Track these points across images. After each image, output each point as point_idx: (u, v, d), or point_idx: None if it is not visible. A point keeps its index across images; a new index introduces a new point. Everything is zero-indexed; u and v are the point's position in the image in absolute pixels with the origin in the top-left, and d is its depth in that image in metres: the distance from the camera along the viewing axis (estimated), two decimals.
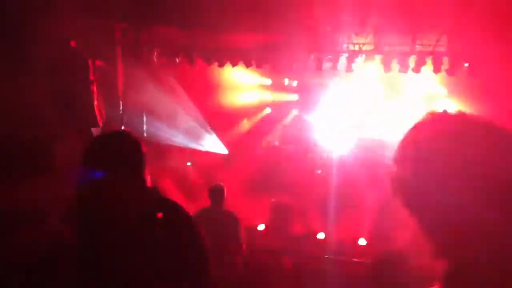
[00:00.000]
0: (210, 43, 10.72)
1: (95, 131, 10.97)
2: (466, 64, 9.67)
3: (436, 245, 1.21)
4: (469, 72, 9.68)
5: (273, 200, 10.92)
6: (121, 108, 11.11)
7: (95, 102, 10.60)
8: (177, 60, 10.86)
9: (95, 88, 10.63)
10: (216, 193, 5.89)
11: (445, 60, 9.80)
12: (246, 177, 12.44)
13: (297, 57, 10.50)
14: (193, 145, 13.02)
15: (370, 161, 11.87)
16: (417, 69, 9.90)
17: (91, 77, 10.47)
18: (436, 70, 9.82)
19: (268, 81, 14.29)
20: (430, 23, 9.44)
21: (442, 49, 9.85)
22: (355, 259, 9.06)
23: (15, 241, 6.33)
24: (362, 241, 10.00)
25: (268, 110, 14.61)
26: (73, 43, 10.33)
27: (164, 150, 11.92)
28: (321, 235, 10.30)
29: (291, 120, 14.35)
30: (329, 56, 10.40)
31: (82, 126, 10.29)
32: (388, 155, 1.34)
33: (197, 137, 13.17)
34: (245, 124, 14.27)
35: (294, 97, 14.39)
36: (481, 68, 9.53)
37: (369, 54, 10.21)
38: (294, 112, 14.35)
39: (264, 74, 13.76)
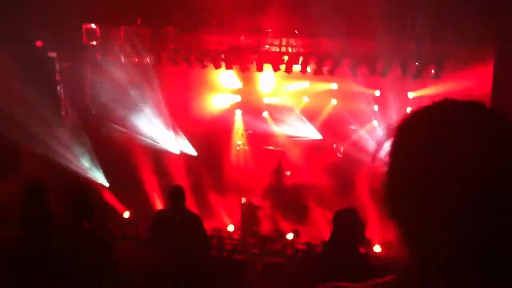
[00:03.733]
0: (179, 44, 10.69)
1: (62, 132, 10.83)
2: None
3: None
4: None
5: (243, 201, 10.92)
6: (90, 108, 11.01)
7: (62, 103, 10.46)
8: (147, 61, 10.78)
9: (61, 89, 10.49)
10: (176, 194, 5.84)
11: None
12: (216, 178, 12.49)
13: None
14: (162, 146, 12.94)
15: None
16: None
17: (57, 78, 10.33)
18: None
19: (239, 84, 14.33)
20: None
21: None
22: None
23: None
24: None
25: (239, 112, 14.60)
26: (39, 43, 10.18)
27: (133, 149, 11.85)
28: (289, 236, 10.32)
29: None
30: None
31: (49, 127, 10.15)
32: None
33: (166, 138, 13.09)
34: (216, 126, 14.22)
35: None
36: None
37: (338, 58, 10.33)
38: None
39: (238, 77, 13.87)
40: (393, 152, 1.11)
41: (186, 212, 5.67)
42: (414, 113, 1.13)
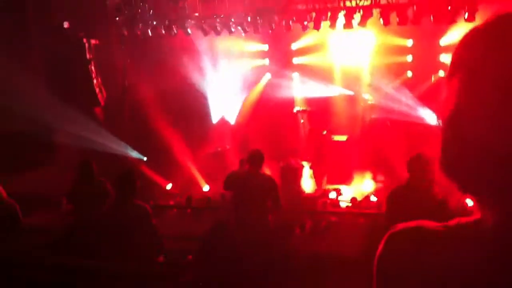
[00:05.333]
0: (205, 11, 10.58)
1: (97, 110, 10.95)
2: None
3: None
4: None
5: (282, 164, 10.91)
6: (124, 84, 11.07)
7: (94, 81, 10.53)
8: (174, 32, 10.70)
9: (92, 67, 10.54)
10: (255, 157, 5.98)
11: None
12: (253, 144, 12.50)
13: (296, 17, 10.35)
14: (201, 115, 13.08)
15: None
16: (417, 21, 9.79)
17: (88, 56, 10.37)
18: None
19: (265, 47, 14.21)
20: None
21: None
22: (370, 211, 9.17)
23: (33, 224, 6.42)
24: (373, 198, 10.02)
25: (268, 76, 14.50)
26: (67, 24, 10.20)
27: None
28: (332, 194, 10.32)
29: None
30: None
31: (83, 106, 10.26)
32: None
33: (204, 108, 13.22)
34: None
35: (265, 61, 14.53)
36: None
37: (367, 9, 10.03)
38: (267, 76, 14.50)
39: (260, 40, 13.75)
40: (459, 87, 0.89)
41: (261, 176, 5.79)
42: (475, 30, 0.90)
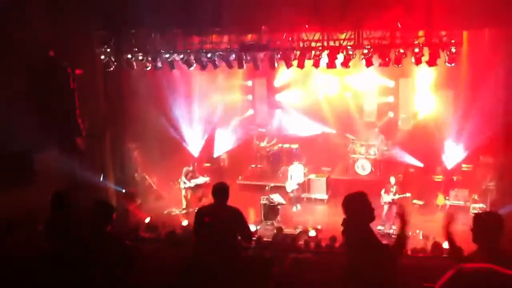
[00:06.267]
0: (190, 45, 10.65)
1: (78, 141, 10.81)
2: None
3: None
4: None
5: (263, 201, 10.89)
6: (105, 115, 11.02)
7: (77, 111, 10.44)
8: (159, 65, 10.71)
9: (76, 97, 10.46)
10: (218, 190, 5.87)
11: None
12: (236, 179, 12.59)
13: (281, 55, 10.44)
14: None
15: None
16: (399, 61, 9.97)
17: (72, 86, 10.29)
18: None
19: (249, 83, 14.37)
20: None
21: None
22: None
23: (6, 248, 6.20)
24: None
25: (251, 111, 14.62)
26: (52, 53, 10.16)
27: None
28: (312, 233, 10.26)
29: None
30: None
31: (65, 135, 10.14)
32: None
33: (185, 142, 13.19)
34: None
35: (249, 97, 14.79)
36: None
37: (350, 50, 10.17)
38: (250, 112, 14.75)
39: (244, 76, 13.96)
40: None
41: (226, 208, 5.67)
42: None
